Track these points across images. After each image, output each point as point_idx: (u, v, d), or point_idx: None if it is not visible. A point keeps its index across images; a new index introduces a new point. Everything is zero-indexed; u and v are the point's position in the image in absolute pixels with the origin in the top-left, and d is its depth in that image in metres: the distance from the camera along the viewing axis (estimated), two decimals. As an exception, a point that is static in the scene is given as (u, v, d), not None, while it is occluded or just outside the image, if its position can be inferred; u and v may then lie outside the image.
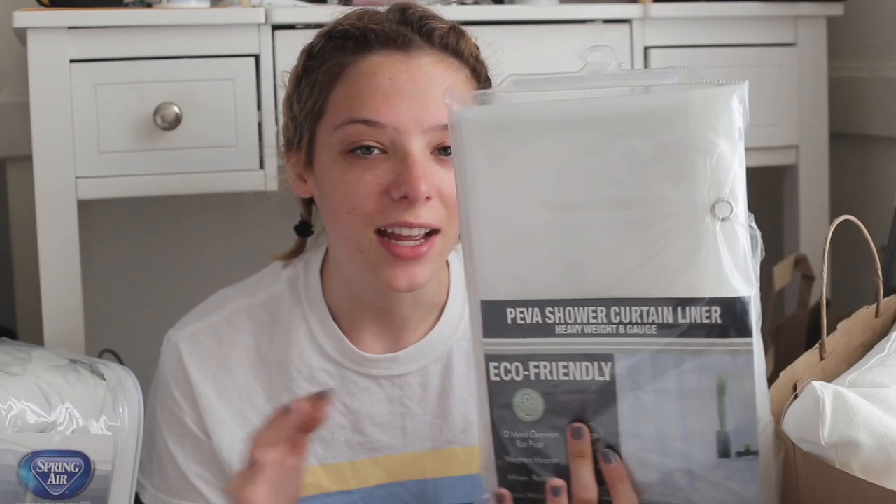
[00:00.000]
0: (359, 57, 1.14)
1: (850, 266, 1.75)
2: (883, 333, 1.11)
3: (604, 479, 0.97)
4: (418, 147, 1.11)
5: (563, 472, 0.98)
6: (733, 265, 0.92)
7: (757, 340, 0.93)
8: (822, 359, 1.04)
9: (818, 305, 1.56)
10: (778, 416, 0.96)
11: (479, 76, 1.19)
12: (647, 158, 0.93)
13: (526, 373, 0.98)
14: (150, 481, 1.26)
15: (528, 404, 0.98)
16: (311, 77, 1.17)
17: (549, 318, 0.97)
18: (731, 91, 0.92)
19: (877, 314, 1.11)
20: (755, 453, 0.93)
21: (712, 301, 0.92)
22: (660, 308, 0.94)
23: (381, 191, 1.12)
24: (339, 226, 1.15)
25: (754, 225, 0.94)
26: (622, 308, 0.95)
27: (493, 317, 0.98)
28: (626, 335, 0.95)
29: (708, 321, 0.93)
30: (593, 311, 0.96)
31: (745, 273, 0.92)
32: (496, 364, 0.98)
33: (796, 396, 0.96)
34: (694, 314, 0.93)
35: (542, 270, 0.97)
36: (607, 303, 0.95)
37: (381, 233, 1.13)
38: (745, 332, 0.92)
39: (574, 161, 0.95)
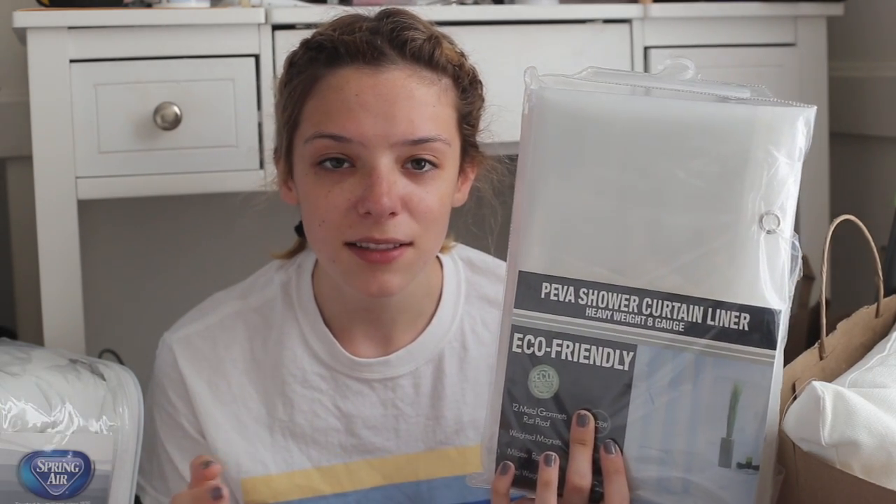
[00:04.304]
0: (329, 71, 1.13)
1: (850, 266, 1.75)
2: (883, 333, 1.11)
3: (599, 469, 0.97)
4: (385, 162, 1.11)
5: (562, 455, 0.99)
6: (770, 277, 0.94)
7: (779, 356, 0.94)
8: (821, 358, 1.04)
9: (818, 305, 1.56)
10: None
11: (462, 83, 1.17)
12: (708, 162, 0.96)
13: (548, 349, 0.99)
14: (150, 483, 1.26)
15: (544, 381, 0.99)
16: (290, 87, 1.17)
17: (582, 299, 0.99)
18: (798, 112, 0.95)
19: (877, 314, 1.11)
20: (755, 468, 0.94)
21: (743, 308, 0.94)
22: (691, 306, 0.95)
23: (348, 205, 1.12)
24: (314, 235, 1.16)
25: (797, 245, 0.95)
26: (654, 300, 0.97)
27: (528, 288, 1.00)
28: (653, 328, 0.96)
29: (736, 327, 0.94)
30: (626, 299, 0.97)
31: (780, 288, 0.94)
32: (521, 335, 1.00)
33: (796, 396, 0.96)
34: (723, 318, 0.94)
35: (584, 252, 0.99)
36: (641, 293, 0.97)
37: (350, 245, 1.13)
38: (770, 343, 0.94)
39: (636, 155, 0.98)
